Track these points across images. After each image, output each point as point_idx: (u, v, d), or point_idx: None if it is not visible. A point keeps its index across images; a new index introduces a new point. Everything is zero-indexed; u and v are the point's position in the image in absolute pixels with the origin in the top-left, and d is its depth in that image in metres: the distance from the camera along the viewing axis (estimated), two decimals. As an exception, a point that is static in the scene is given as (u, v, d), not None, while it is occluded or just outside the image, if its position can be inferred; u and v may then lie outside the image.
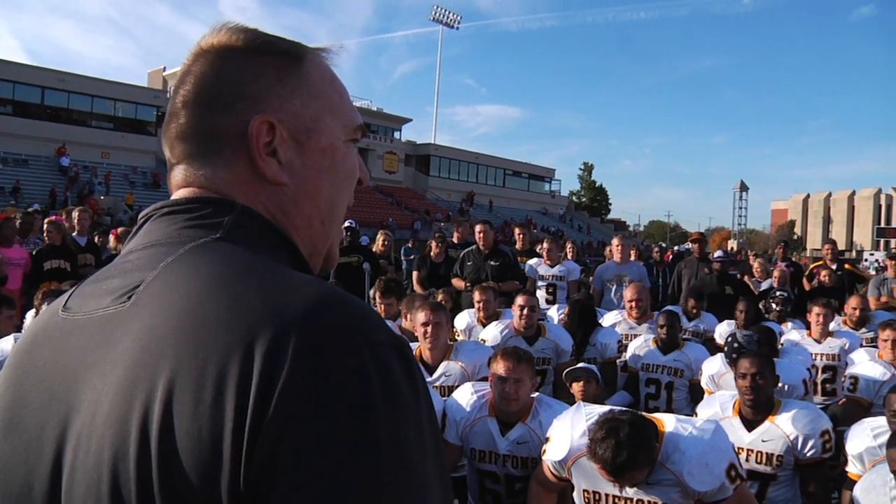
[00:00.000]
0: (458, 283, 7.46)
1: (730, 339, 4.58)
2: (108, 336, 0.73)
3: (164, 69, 48.91)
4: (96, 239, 8.54)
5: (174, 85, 0.90)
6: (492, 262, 7.41)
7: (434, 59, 66.02)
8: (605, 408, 3.00)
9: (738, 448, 3.42)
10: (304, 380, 0.63)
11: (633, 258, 10.18)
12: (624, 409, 2.89)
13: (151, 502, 0.64)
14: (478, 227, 7.65)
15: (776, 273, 8.67)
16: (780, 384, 4.55)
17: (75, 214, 8.26)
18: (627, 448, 2.57)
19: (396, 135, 58.87)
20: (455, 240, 8.94)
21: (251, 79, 0.86)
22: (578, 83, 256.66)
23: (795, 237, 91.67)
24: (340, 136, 0.92)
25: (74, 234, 7.95)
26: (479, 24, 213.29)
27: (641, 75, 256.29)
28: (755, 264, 10.29)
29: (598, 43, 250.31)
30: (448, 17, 65.85)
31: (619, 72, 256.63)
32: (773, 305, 7.00)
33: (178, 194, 0.87)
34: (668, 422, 2.82)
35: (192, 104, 0.86)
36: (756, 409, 3.53)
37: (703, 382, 4.89)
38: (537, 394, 3.66)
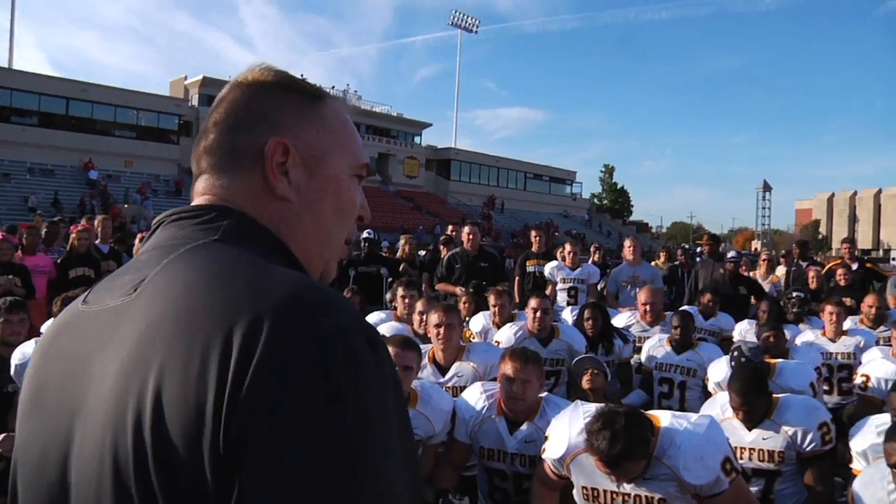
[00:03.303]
0: (447, 287, 7.45)
1: (736, 352, 4.55)
2: (116, 323, 0.84)
3: (186, 78, 49.27)
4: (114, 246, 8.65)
5: (210, 109, 1.04)
6: (482, 264, 7.45)
7: (454, 63, 65.96)
8: (602, 405, 3.05)
9: (740, 447, 3.47)
10: (276, 356, 0.72)
11: (662, 259, 10.19)
12: (621, 403, 2.95)
13: (145, 467, 0.73)
14: (466, 229, 7.68)
15: (775, 273, 8.73)
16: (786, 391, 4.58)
17: (97, 222, 8.42)
18: (623, 439, 2.64)
19: (417, 139, 58.90)
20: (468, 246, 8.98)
21: (274, 108, 0.99)
22: (599, 84, 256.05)
23: (820, 237, 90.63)
24: (346, 169, 1.04)
25: (97, 241, 8.10)
26: (498, 28, 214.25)
27: (662, 75, 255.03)
28: (761, 265, 10.14)
29: (618, 44, 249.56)
30: (467, 22, 65.89)
31: (640, 72, 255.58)
32: (790, 307, 6.96)
33: (194, 203, 1.00)
34: (663, 417, 2.88)
35: (221, 124, 0.99)
36: (754, 422, 3.59)
37: (710, 388, 4.89)
38: (545, 393, 3.72)
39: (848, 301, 7.34)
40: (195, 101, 46.29)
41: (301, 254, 0.98)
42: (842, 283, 8.31)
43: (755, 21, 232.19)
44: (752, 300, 7.99)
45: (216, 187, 0.98)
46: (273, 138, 0.96)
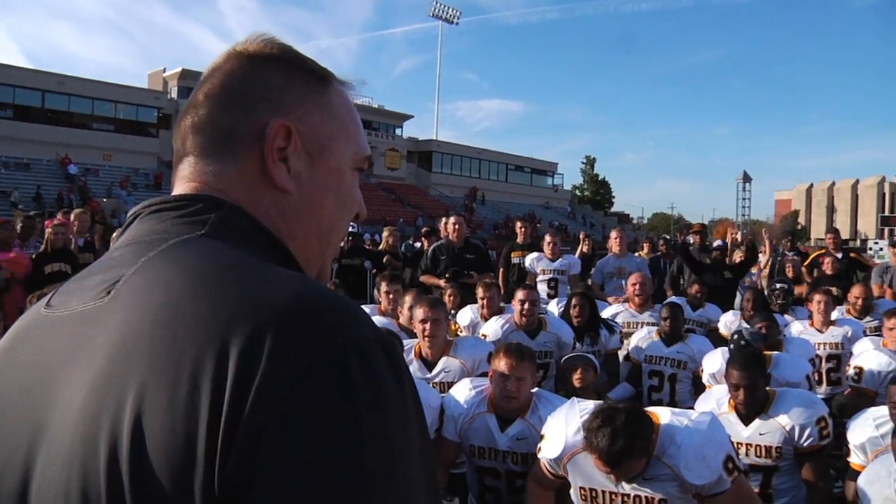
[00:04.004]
0: (431, 279, 7.37)
1: (736, 336, 4.54)
2: (85, 332, 0.72)
3: (164, 70, 48.87)
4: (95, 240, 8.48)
5: (200, 79, 0.91)
6: (468, 256, 7.37)
7: (435, 55, 66.28)
8: (600, 402, 2.97)
9: (737, 443, 3.41)
10: (280, 378, 0.61)
11: (646, 250, 10.20)
12: (620, 400, 2.87)
13: (122, 502, 0.61)
14: (451, 220, 7.59)
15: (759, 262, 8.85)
16: (782, 384, 4.55)
17: (74, 216, 8.25)
18: (624, 436, 2.56)
19: (398, 131, 58.80)
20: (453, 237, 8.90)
21: (278, 85, 0.87)
22: (580, 76, 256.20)
23: (799, 227, 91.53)
24: (349, 161, 0.93)
25: (72, 235, 7.93)
26: (479, 19, 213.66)
27: (643, 67, 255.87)
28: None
29: (599, 35, 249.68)
30: (447, 13, 65.70)
31: (621, 64, 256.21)
32: (775, 298, 6.99)
33: (176, 190, 0.87)
34: (663, 415, 2.80)
35: (215, 98, 0.87)
36: (751, 411, 3.53)
37: (705, 379, 4.87)
38: (537, 389, 3.64)
39: (834, 290, 7.39)
40: (174, 94, 45.91)
41: (298, 252, 0.87)
42: (829, 272, 8.34)
43: (737, 13, 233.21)
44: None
45: (205, 173, 0.86)
46: (275, 120, 0.84)
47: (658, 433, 2.69)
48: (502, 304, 5.93)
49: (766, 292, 7.41)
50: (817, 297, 6.00)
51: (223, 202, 0.83)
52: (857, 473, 3.26)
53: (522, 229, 8.68)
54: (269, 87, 0.87)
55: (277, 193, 0.85)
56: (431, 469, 0.70)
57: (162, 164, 41.97)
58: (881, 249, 28.07)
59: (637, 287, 6.40)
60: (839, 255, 9.09)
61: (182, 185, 0.87)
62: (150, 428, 0.61)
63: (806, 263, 9.48)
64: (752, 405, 3.49)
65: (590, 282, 8.50)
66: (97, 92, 41.27)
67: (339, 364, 0.63)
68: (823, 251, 9.45)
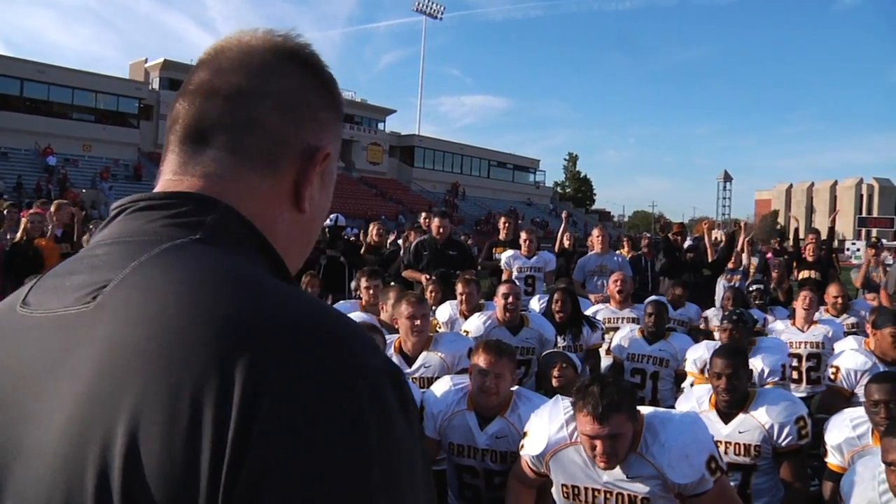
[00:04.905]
0: (413, 274, 7.32)
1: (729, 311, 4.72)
2: (67, 340, 0.66)
3: (146, 61, 48.36)
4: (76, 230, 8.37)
5: (228, 61, 0.83)
6: (451, 252, 7.35)
7: (418, 50, 65.83)
8: None
9: (717, 441, 3.40)
10: (289, 410, 0.58)
11: (626, 248, 10.21)
12: None
13: None
14: (436, 221, 7.54)
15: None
16: (763, 368, 4.62)
17: (53, 207, 8.15)
18: (614, 389, 2.60)
19: (380, 126, 58.69)
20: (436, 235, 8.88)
21: (323, 107, 0.86)
22: (563, 73, 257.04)
23: (779, 227, 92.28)
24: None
25: (50, 226, 7.83)
26: (463, 14, 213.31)
27: (626, 65, 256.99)
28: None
29: (583, 33, 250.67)
30: (432, 8, 65.71)
31: (604, 62, 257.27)
32: (752, 298, 7.05)
33: (166, 184, 0.81)
34: (647, 413, 2.79)
35: (261, 100, 0.81)
36: (732, 405, 3.53)
37: (687, 367, 4.95)
38: (517, 387, 3.62)
39: (814, 274, 7.80)
40: (156, 85, 45.57)
41: (289, 261, 0.83)
42: (810, 258, 8.69)
43: (720, 12, 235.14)
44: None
45: (222, 174, 0.79)
46: (323, 144, 0.84)
47: (642, 430, 2.68)
48: (482, 301, 5.90)
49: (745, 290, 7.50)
50: (803, 293, 6.02)
51: (216, 203, 0.77)
52: (834, 474, 3.26)
53: (506, 225, 8.66)
54: (315, 105, 0.85)
55: (295, 213, 0.83)
56: (431, 490, 0.68)
57: (142, 156, 41.67)
58: (858, 250, 28.40)
59: (618, 284, 6.42)
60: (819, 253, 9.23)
61: (176, 179, 0.80)
62: (147, 456, 0.57)
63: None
64: (733, 396, 3.49)
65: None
66: (78, 81, 40.92)
67: (348, 398, 0.60)
68: (812, 240, 9.55)
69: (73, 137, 39.54)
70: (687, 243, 9.00)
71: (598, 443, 2.60)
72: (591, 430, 2.60)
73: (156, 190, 0.81)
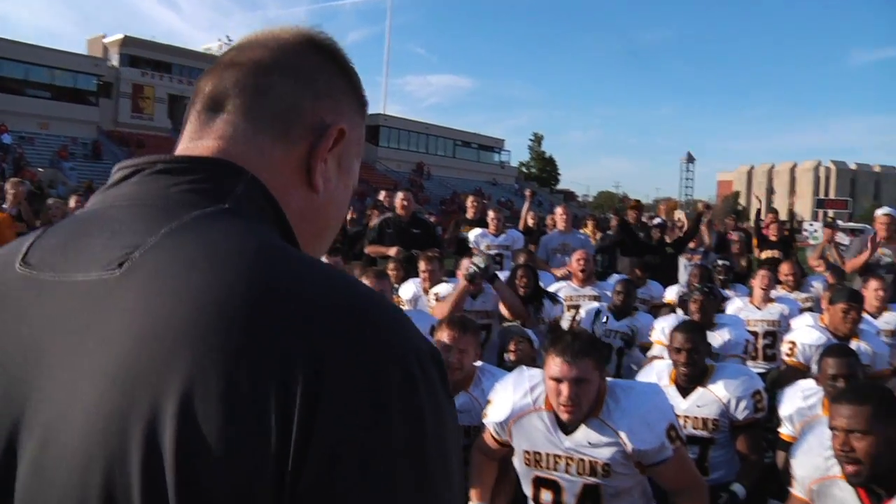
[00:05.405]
0: (379, 249, 7.30)
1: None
2: (91, 308, 0.62)
3: (104, 36, 47.30)
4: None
5: (247, 43, 0.85)
6: (414, 231, 7.36)
7: (383, 28, 65.33)
8: None
9: (676, 416, 3.48)
10: (355, 387, 0.58)
11: (590, 228, 10.27)
12: None
13: None
14: (400, 195, 7.56)
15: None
16: (726, 341, 4.78)
17: (9, 186, 8.01)
18: (586, 336, 2.75)
19: (345, 105, 58.08)
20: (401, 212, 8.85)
21: (342, 90, 0.85)
22: (530, 53, 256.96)
23: (740, 208, 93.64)
24: (355, 178, 0.91)
25: (6, 205, 7.70)
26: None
27: (592, 46, 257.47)
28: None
29: (549, 12, 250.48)
30: (397, -14, 65.08)
31: (570, 42, 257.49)
32: (716, 274, 7.16)
33: (186, 148, 0.79)
34: (610, 382, 2.84)
35: (281, 69, 0.81)
36: (691, 379, 3.60)
37: (655, 335, 5.06)
38: (481, 363, 3.65)
39: (776, 254, 8.18)
40: (115, 62, 44.53)
41: (301, 242, 0.82)
42: (772, 237, 8.97)
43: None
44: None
45: (237, 138, 0.78)
46: (336, 120, 0.82)
47: (604, 396, 2.73)
48: (445, 279, 5.93)
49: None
50: (761, 271, 6.22)
51: (242, 171, 0.74)
52: (786, 443, 3.37)
53: (474, 204, 8.67)
54: (335, 87, 0.84)
55: (307, 190, 0.81)
56: (462, 468, 0.72)
57: (102, 134, 40.81)
58: (816, 231, 28.93)
59: (581, 263, 6.47)
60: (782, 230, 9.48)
61: (192, 145, 0.79)
62: (203, 437, 0.55)
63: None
64: (693, 370, 3.57)
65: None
66: (33, 57, 39.81)
67: (407, 375, 0.61)
68: (772, 218, 9.78)
69: (29, 115, 38.43)
70: (656, 221, 9.07)
71: (564, 387, 2.63)
72: (559, 372, 2.63)
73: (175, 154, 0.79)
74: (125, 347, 0.58)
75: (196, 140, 0.79)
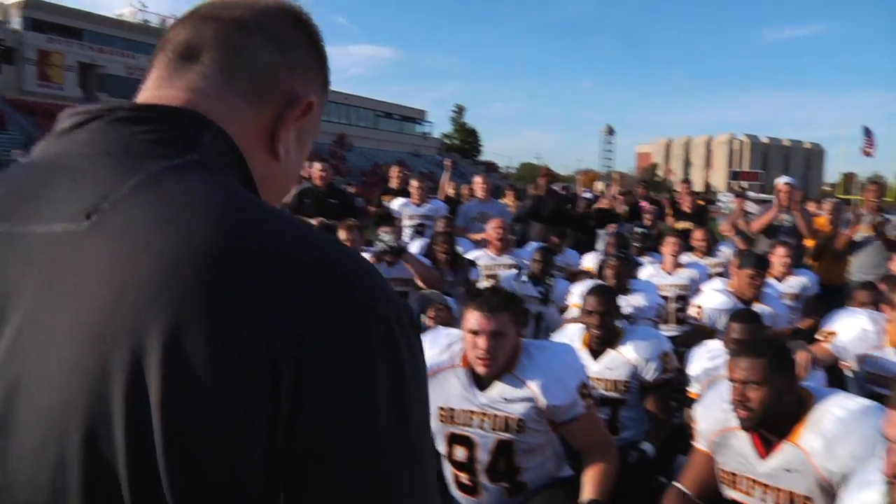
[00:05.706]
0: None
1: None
2: (57, 261, 0.59)
3: (6, -2, 44.81)
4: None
5: (233, 1, 0.82)
6: (332, 201, 7.33)
7: (304, -4, 63.54)
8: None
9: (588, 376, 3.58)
10: (341, 340, 0.60)
11: (510, 197, 10.32)
12: None
13: (151, 474, 0.55)
14: (317, 166, 7.51)
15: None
16: (641, 306, 4.95)
17: None
18: (505, 292, 2.84)
19: (264, 75, 56.90)
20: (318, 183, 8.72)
21: (314, 67, 0.85)
22: (453, 25, 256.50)
23: (658, 179, 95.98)
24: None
25: None
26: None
27: (515, 17, 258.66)
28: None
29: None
30: (318, -47, 63.77)
31: (493, 13, 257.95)
32: (633, 242, 7.33)
33: (149, 96, 0.76)
34: (524, 340, 2.89)
35: (264, 32, 0.80)
36: (602, 341, 3.70)
37: (573, 299, 5.20)
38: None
39: (690, 225, 8.40)
40: (17, 25, 42.08)
41: None
42: (686, 209, 9.41)
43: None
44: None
45: (209, 91, 0.75)
46: (306, 92, 0.82)
47: (519, 353, 2.78)
48: (364, 248, 5.92)
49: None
50: (670, 239, 6.40)
51: (210, 123, 0.72)
52: (694, 401, 3.49)
53: (399, 174, 8.64)
54: (309, 61, 0.84)
55: (268, 156, 0.80)
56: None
57: (5, 103, 38.81)
58: (730, 202, 29.89)
59: (498, 231, 6.52)
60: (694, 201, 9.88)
61: (164, 92, 0.75)
62: (189, 390, 0.54)
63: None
64: (605, 332, 3.67)
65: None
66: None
67: (385, 317, 0.63)
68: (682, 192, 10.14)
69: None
70: (586, 195, 9.30)
71: (481, 340, 2.67)
72: (477, 325, 2.68)
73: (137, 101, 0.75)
74: (104, 300, 0.56)
75: (164, 89, 0.76)
